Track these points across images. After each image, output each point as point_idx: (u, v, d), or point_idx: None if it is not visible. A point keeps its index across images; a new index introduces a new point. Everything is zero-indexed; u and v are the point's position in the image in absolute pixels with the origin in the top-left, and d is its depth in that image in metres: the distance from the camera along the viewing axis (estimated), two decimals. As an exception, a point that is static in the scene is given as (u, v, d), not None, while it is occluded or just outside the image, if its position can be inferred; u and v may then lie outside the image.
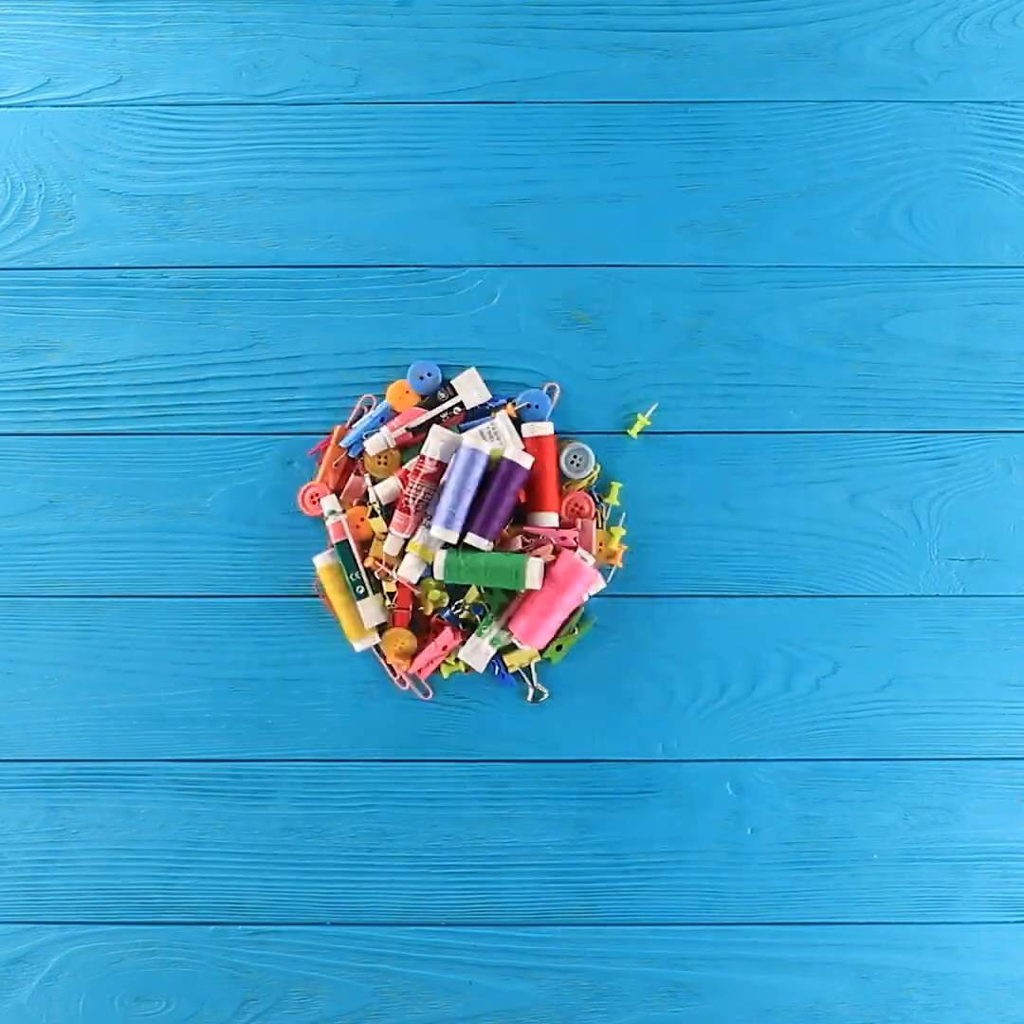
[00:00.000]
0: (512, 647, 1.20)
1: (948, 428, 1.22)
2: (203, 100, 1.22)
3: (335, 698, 1.21)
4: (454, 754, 1.21)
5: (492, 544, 1.16)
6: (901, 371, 1.22)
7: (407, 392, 1.20)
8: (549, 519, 1.19)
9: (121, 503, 1.22)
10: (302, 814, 1.21)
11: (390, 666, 1.20)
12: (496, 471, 1.16)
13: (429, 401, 1.20)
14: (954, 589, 1.22)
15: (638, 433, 1.20)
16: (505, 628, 1.19)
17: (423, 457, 1.17)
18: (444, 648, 1.18)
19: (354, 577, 1.18)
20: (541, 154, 1.22)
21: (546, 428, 1.19)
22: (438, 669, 1.20)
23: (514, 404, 1.20)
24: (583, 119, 1.22)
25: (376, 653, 1.21)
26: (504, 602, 1.19)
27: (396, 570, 1.19)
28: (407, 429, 1.19)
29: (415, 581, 1.18)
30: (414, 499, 1.15)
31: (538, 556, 1.17)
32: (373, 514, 1.20)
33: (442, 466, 1.17)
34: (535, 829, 1.21)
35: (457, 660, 1.20)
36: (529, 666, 1.20)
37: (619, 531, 1.19)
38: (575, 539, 1.19)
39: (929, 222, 1.22)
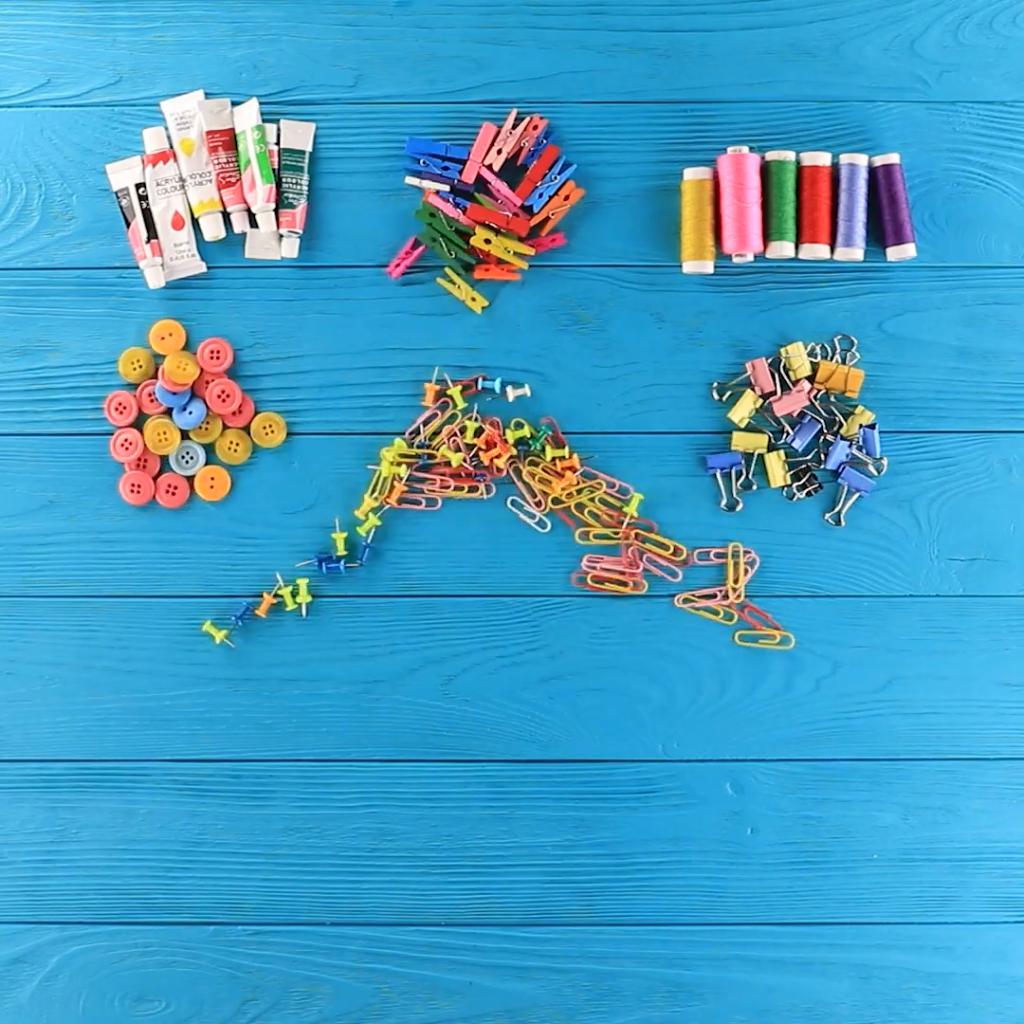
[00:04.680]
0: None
1: (948, 428, 1.22)
2: (203, 100, 1.22)
3: (335, 698, 1.21)
4: (454, 754, 1.21)
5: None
6: (901, 371, 1.22)
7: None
8: None
9: (121, 503, 1.21)
10: (302, 814, 1.21)
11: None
12: None
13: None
14: (954, 589, 1.21)
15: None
16: None
17: None
18: None
19: None
20: (541, 154, 1.22)
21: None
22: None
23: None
24: (583, 119, 1.22)
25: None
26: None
27: None
28: None
29: None
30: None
31: None
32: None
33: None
34: (535, 829, 1.21)
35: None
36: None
37: None
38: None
39: (929, 222, 1.22)
